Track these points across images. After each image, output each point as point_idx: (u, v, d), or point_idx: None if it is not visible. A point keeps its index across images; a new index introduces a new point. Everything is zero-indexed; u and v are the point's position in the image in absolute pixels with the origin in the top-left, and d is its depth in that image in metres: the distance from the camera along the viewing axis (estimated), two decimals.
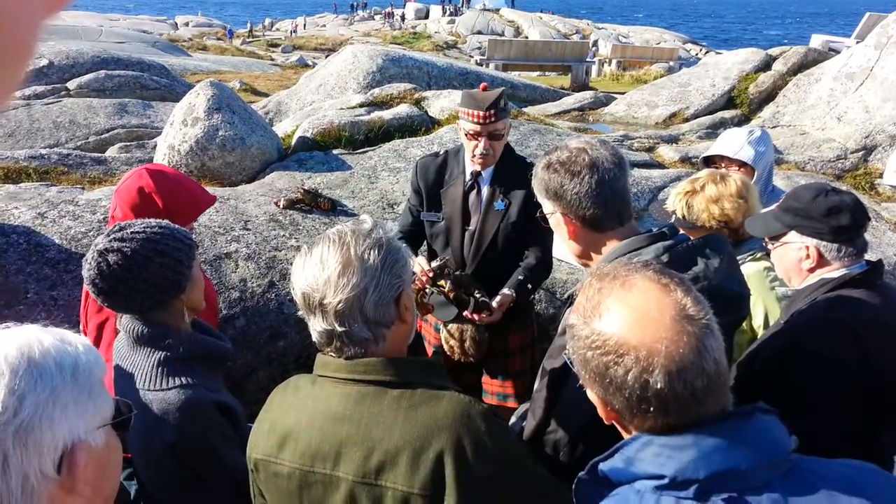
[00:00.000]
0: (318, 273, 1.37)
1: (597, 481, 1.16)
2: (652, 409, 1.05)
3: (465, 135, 2.84)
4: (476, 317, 2.74)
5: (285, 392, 1.52)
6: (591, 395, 1.17)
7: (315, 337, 1.43)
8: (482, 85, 2.87)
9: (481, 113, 2.74)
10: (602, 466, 1.14)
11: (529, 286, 2.88)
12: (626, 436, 1.16)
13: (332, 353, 1.42)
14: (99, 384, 1.06)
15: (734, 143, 3.17)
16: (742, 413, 1.07)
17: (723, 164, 3.20)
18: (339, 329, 1.36)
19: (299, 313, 1.44)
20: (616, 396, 1.09)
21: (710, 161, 3.29)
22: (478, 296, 2.76)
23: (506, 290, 2.84)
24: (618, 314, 1.09)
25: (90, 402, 1.02)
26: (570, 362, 1.18)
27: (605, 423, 1.19)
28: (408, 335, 1.51)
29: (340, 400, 1.38)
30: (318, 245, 1.42)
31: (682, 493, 1.03)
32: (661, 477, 1.04)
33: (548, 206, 1.73)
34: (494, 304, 2.77)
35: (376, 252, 1.39)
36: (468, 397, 1.42)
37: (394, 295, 1.40)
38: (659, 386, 1.03)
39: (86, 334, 2.46)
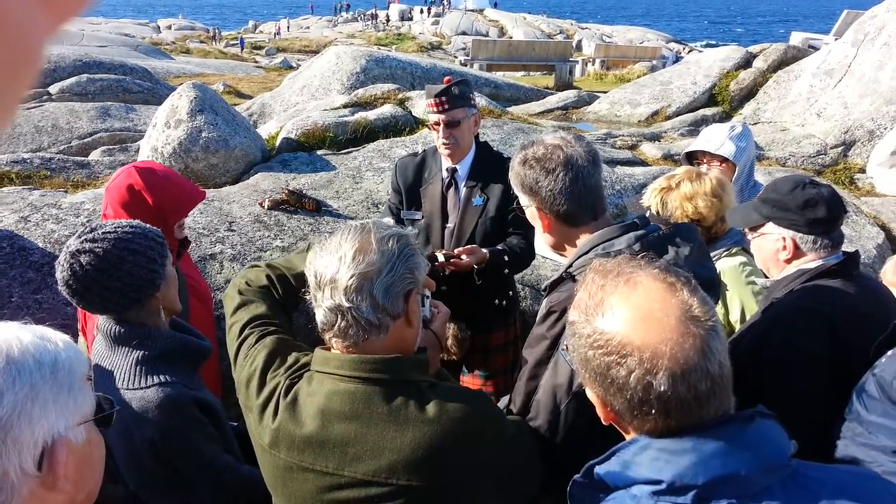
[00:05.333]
0: (334, 252, 1.37)
1: (592, 484, 1.13)
2: (653, 411, 1.02)
3: (431, 128, 2.96)
4: (451, 260, 2.73)
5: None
6: (590, 394, 1.14)
7: (319, 317, 1.39)
8: (445, 78, 2.93)
9: (432, 101, 2.85)
10: (598, 469, 1.12)
11: (506, 258, 2.86)
12: (625, 437, 1.14)
13: (334, 338, 1.39)
14: (79, 380, 1.06)
15: (715, 138, 3.21)
16: (742, 417, 1.04)
17: (704, 160, 3.24)
18: (347, 305, 1.33)
19: (307, 297, 1.43)
20: (616, 397, 1.06)
21: (692, 156, 3.33)
22: (440, 252, 2.76)
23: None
24: (621, 313, 1.06)
25: (70, 398, 1.02)
26: (566, 358, 1.17)
27: (604, 423, 1.16)
28: (413, 341, 1.47)
29: (345, 398, 1.36)
30: (339, 231, 1.42)
31: (679, 499, 1.00)
32: (659, 482, 1.01)
33: (524, 200, 1.75)
34: (460, 249, 2.76)
35: (395, 241, 1.39)
36: (477, 391, 1.45)
37: (405, 288, 1.38)
38: (662, 388, 1.00)
39: (84, 334, 2.46)
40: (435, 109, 2.85)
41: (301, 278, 1.72)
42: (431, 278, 2.73)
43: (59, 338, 1.06)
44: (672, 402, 1.01)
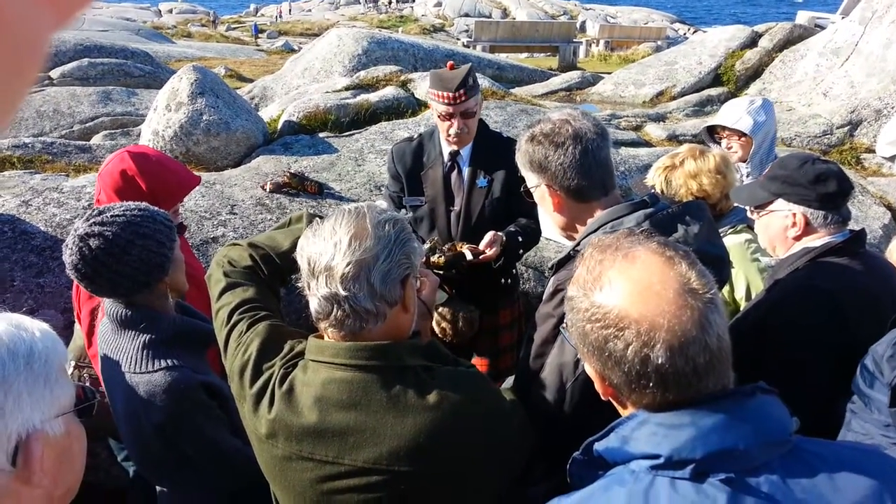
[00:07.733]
0: (328, 237, 1.33)
1: (592, 461, 1.13)
2: (651, 384, 1.02)
3: (438, 116, 2.84)
4: (480, 257, 2.68)
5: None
6: (589, 369, 1.15)
7: (314, 306, 1.36)
8: (449, 63, 2.85)
9: (451, 94, 2.72)
10: (597, 446, 1.11)
11: (519, 238, 2.83)
12: (622, 412, 1.13)
13: (329, 327, 1.36)
14: (57, 371, 1.02)
15: (734, 112, 3.23)
16: (742, 392, 1.03)
17: (724, 134, 3.28)
18: (343, 293, 1.29)
19: (299, 284, 1.38)
20: (615, 371, 1.06)
21: (712, 131, 3.36)
22: (467, 248, 2.72)
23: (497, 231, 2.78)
24: (619, 286, 1.06)
25: (47, 390, 0.98)
26: (567, 337, 1.16)
27: (602, 398, 1.16)
28: (409, 326, 1.45)
29: (342, 386, 1.34)
30: (332, 216, 1.37)
31: (677, 473, 1.00)
32: (657, 456, 1.01)
33: (532, 179, 1.73)
34: (484, 242, 2.72)
35: (391, 225, 1.35)
36: (473, 372, 1.44)
37: (402, 274, 1.35)
38: (660, 361, 1.00)
39: (79, 321, 2.45)
40: (450, 101, 2.74)
41: (286, 257, 1.69)
42: (452, 269, 2.70)
43: (35, 326, 1.03)
44: (670, 375, 1.01)
